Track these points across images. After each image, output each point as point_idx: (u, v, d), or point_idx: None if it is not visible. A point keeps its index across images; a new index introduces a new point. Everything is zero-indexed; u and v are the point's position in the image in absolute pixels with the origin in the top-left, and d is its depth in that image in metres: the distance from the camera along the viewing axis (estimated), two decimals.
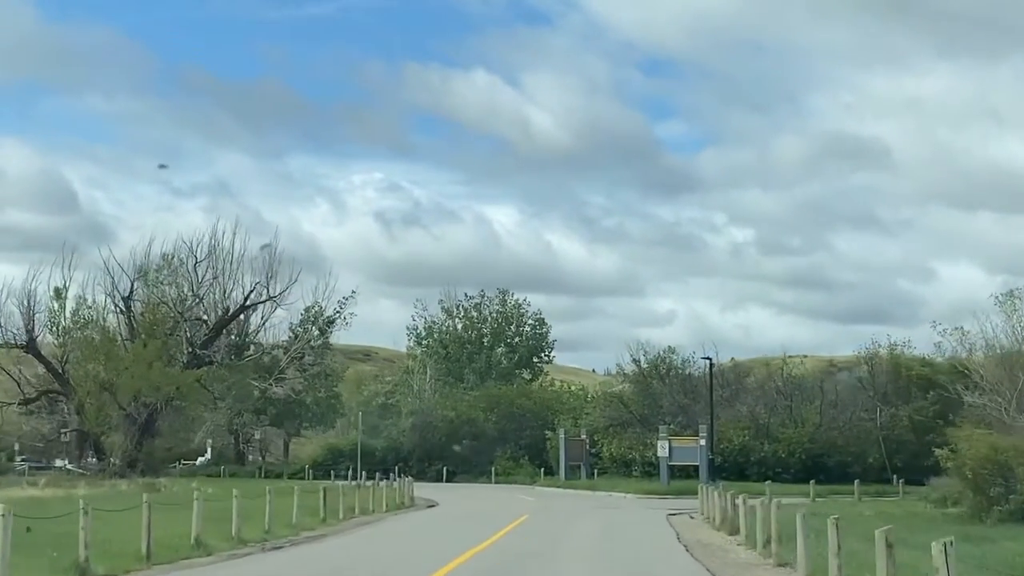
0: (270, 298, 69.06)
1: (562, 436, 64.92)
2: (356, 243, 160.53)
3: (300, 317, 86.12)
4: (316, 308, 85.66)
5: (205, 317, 67.34)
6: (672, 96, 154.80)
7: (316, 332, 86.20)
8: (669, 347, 65.04)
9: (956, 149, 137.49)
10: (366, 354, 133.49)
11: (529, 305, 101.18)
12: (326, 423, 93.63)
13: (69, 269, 66.03)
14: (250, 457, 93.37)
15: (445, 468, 75.99)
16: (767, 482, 57.93)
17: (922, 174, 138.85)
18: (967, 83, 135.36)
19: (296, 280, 70.73)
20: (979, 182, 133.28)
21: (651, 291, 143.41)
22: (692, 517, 35.40)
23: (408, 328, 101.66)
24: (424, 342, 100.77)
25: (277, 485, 38.20)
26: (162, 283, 67.67)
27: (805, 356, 64.28)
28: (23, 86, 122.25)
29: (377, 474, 58.69)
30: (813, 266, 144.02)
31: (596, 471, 66.09)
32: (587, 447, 65.33)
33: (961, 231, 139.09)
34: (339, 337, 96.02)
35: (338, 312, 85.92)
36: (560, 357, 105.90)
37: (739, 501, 27.23)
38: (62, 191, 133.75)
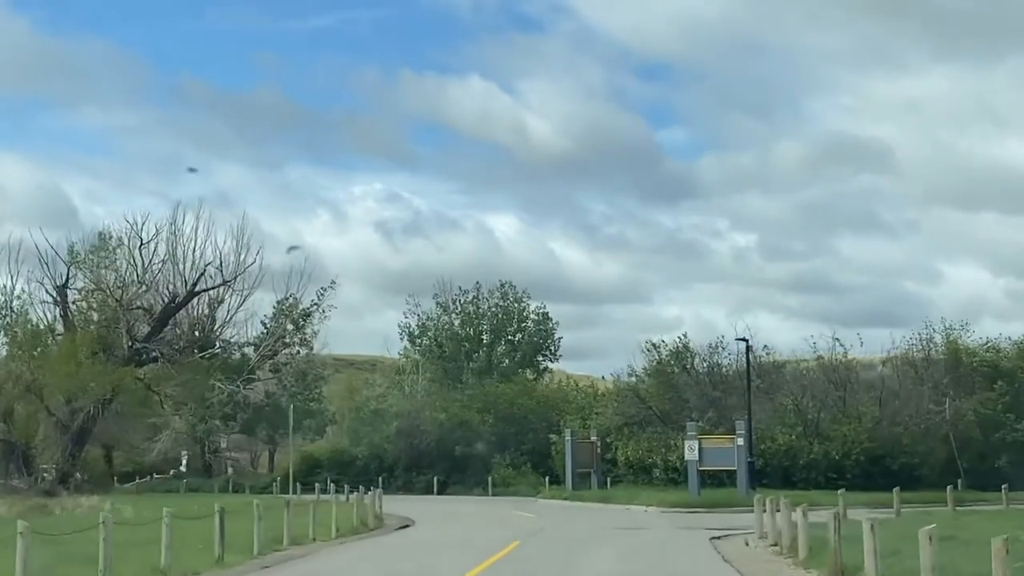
0: (224, 282, 58.99)
1: (568, 439, 54.71)
2: (358, 254, 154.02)
3: (272, 311, 76.43)
4: (290, 300, 75.78)
5: (149, 307, 57.35)
6: (669, 101, 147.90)
7: (290, 327, 76.27)
8: (686, 337, 54.68)
9: (957, 150, 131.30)
10: (372, 364, 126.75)
11: (530, 298, 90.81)
12: (313, 430, 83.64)
13: (17, 264, 56.44)
14: (230, 470, 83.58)
15: (435, 478, 65.87)
16: (814, 490, 47.97)
17: (924, 176, 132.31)
18: (966, 84, 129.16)
19: (257, 264, 60.66)
20: (981, 183, 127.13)
21: (656, 298, 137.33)
22: (749, 543, 25.22)
23: (400, 326, 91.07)
24: (418, 341, 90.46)
25: (229, 502, 28.55)
26: (99, 267, 57.68)
27: (820, 357, 53.95)
28: (19, 101, 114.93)
29: (346, 487, 48.57)
30: (817, 270, 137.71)
31: (609, 479, 55.92)
32: (598, 451, 55.14)
33: (965, 232, 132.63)
34: (343, 347, 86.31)
35: (316, 304, 76.03)
36: (566, 366, 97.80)
37: (825, 519, 17.45)
38: (61, 205, 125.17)
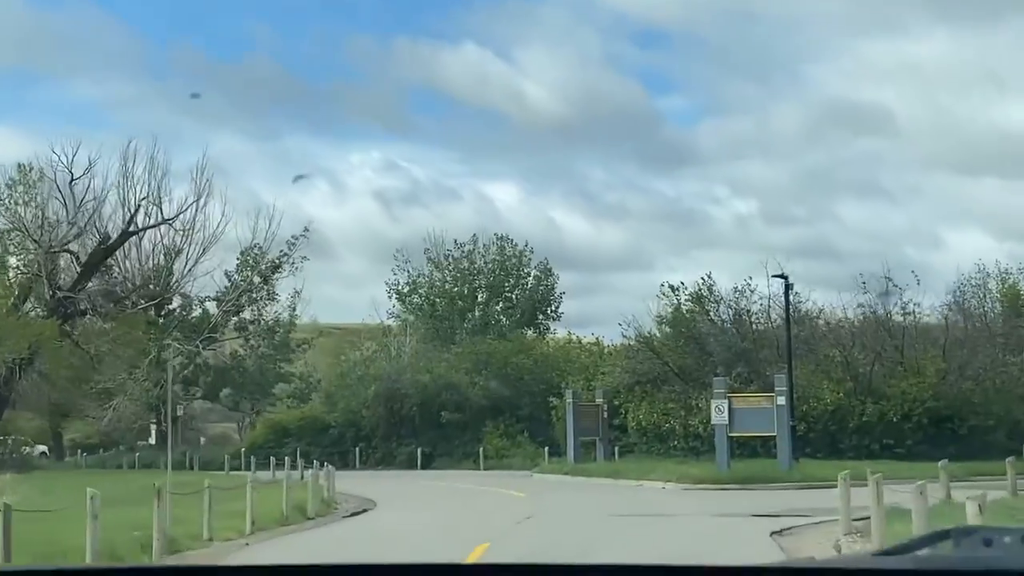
0: (164, 221, 50.36)
1: (570, 401, 46.11)
2: (357, 224, 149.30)
3: (236, 262, 67.84)
4: (256, 251, 67.18)
5: (77, 252, 48.86)
6: (667, 68, 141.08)
7: (257, 279, 67.70)
8: (709, 278, 45.67)
9: (958, 114, 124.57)
10: (360, 330, 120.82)
11: (532, 252, 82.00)
12: (298, 398, 75.16)
13: None
14: (202, 440, 75.26)
15: (419, 450, 57.46)
16: (867, 459, 39.38)
17: (925, 140, 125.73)
18: (967, 47, 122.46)
19: (202, 201, 52.02)
20: (983, 147, 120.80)
21: (658, 265, 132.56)
22: (841, 544, 16.61)
23: (388, 284, 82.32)
24: (407, 300, 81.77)
25: (161, 482, 20.83)
26: (16, 203, 49.11)
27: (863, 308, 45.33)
28: (9, 74, 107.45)
29: (313, 463, 40.28)
30: (819, 236, 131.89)
31: (618, 449, 47.47)
32: (605, 416, 46.55)
33: (967, 197, 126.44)
34: (341, 318, 78.32)
35: (285, 255, 67.41)
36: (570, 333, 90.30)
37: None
38: (55, 178, 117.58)
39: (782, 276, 37.95)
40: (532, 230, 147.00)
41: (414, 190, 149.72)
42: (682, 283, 45.24)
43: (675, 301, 44.69)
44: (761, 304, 43.44)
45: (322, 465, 35.66)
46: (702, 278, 44.88)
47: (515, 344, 62.54)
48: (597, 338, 63.50)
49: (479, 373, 60.50)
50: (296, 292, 70.39)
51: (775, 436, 35.23)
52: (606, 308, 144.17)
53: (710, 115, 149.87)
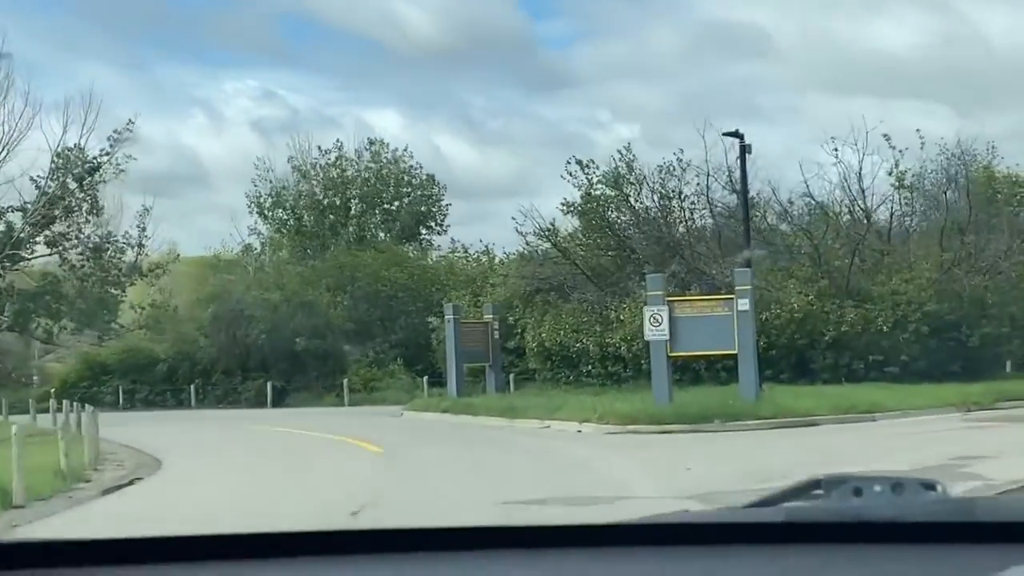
0: None
1: (450, 318, 35.11)
2: (235, 155, 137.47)
3: (52, 165, 54.92)
4: (74, 151, 54.34)
5: None
6: None
7: (74, 185, 54.95)
8: (629, 151, 34.39)
9: (832, 33, 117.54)
10: (218, 253, 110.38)
11: (412, 157, 70.09)
12: (150, 328, 62.75)
13: None
14: (35, 377, 62.62)
15: (270, 384, 46.09)
16: (850, 383, 29.24)
17: (800, 61, 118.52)
18: None
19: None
20: (856, 67, 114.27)
21: (545, 191, 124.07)
22: None
23: (248, 197, 69.69)
24: (271, 214, 69.51)
25: None
26: None
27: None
28: None
29: (82, 406, 28.44)
30: (701, 160, 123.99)
31: (514, 378, 36.85)
32: (496, 336, 35.71)
33: (843, 117, 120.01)
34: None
35: (106, 153, 54.69)
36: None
37: None
38: None
39: (735, 134, 27.15)
40: (417, 158, 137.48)
41: (293, 119, 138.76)
42: (592, 161, 34.08)
43: (585, 181, 33.59)
44: (698, 186, 32.64)
45: (82, 406, 24.32)
46: (619, 151, 33.77)
47: (388, 256, 51.14)
48: (487, 246, 52.50)
49: (343, 291, 49.16)
50: (145, 209, 57.61)
51: (735, 355, 24.58)
52: (496, 236, 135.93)
53: (589, 38, 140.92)
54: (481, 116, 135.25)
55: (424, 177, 70.02)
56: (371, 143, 70.36)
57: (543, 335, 33.47)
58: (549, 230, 33.48)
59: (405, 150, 68.02)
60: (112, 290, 58.52)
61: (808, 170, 33.84)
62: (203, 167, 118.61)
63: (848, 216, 32.19)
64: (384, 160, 70.17)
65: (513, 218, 34.73)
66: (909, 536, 1.61)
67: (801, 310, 29.17)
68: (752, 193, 32.96)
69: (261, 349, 46.69)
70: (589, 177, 33.31)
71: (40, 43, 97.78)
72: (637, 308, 29.02)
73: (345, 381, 44.74)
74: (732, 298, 24.48)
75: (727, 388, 25.75)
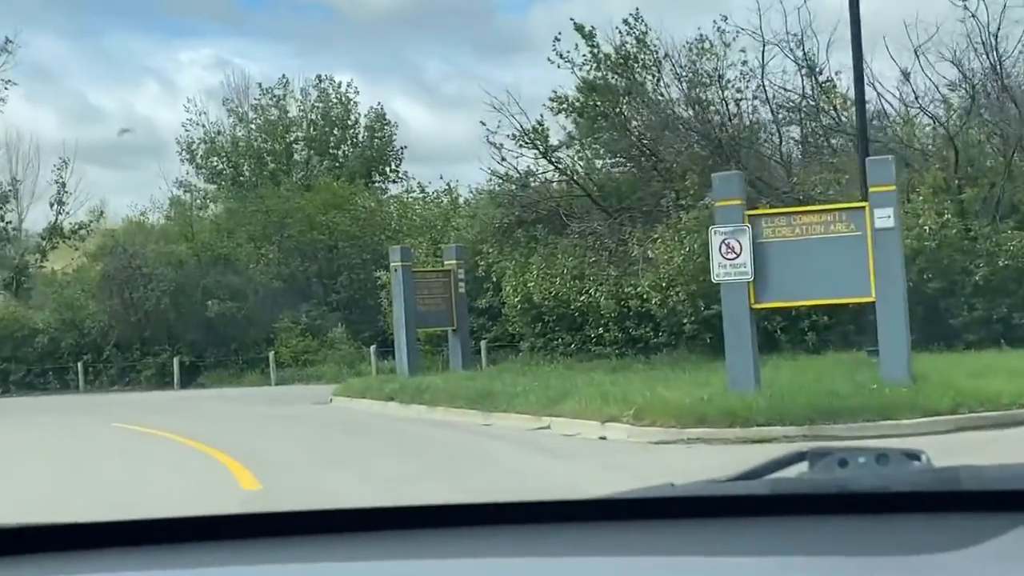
0: None
1: (398, 266, 24.64)
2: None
3: None
4: None
5: None
6: None
7: None
8: (638, 20, 23.34)
9: None
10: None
11: (357, 93, 58.86)
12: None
13: None
14: None
15: (177, 359, 35.46)
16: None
17: None
18: None
19: None
20: None
21: (507, 156, 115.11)
22: None
23: (179, 141, 58.14)
24: (204, 162, 58.24)
25: None
26: None
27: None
28: None
29: None
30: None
31: (487, 347, 26.57)
32: (462, 290, 25.34)
33: None
34: None
35: None
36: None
37: None
38: None
39: None
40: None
41: (249, 87, 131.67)
42: (591, 28, 22.99)
43: (589, 56, 22.77)
44: (746, 65, 22.02)
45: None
46: (625, 23, 22.89)
47: (324, 196, 40.41)
48: (448, 184, 41.83)
49: (268, 241, 38.48)
50: (63, 162, 46.19)
51: (861, 307, 14.25)
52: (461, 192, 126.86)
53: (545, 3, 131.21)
54: (436, 79, 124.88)
55: (373, 117, 58.74)
56: (319, 80, 58.81)
57: (529, 285, 22.93)
58: (535, 132, 22.81)
59: (350, 85, 56.71)
60: (28, 256, 47.08)
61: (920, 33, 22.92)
62: (159, 138, 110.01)
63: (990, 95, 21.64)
64: (332, 100, 58.80)
65: (482, 122, 23.97)
66: (894, 506, 1.58)
67: (934, 235, 18.80)
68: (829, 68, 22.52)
69: (164, 316, 35.98)
70: (595, 51, 22.53)
71: None
72: (674, 238, 18.67)
73: (271, 354, 34.24)
74: (861, 207, 14.08)
75: (839, 360, 15.38)
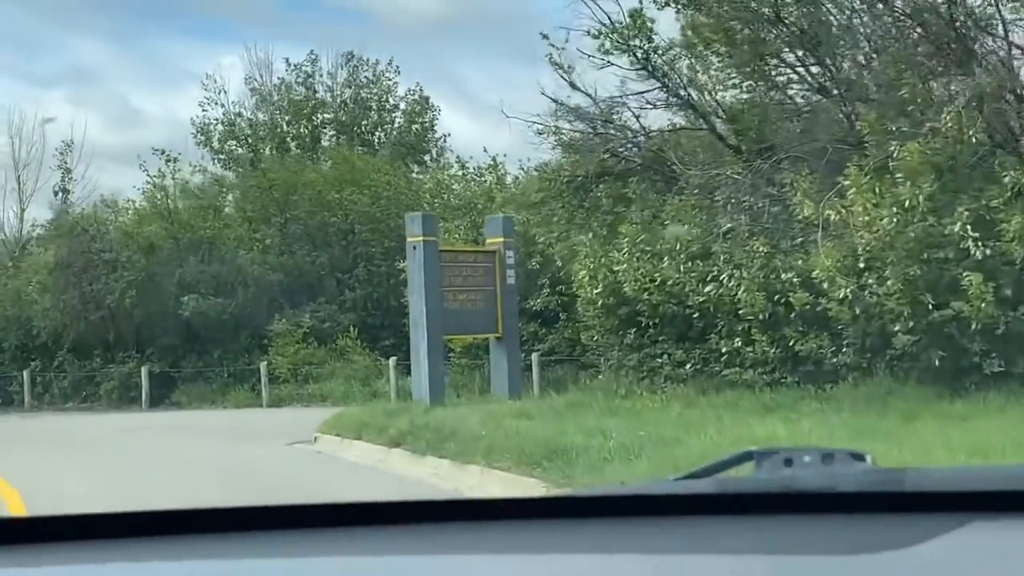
0: None
1: (420, 242, 16.52)
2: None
3: None
4: None
5: None
6: None
7: None
8: None
9: None
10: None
11: (399, 74, 50.59)
12: None
13: None
14: None
15: (145, 370, 27.44)
16: None
17: None
18: None
19: None
20: None
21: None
22: None
23: (193, 123, 49.84)
24: (224, 145, 50.15)
25: None
26: None
27: None
28: None
29: None
30: None
31: (538, 360, 18.43)
32: (511, 280, 17.22)
33: None
34: None
35: None
36: None
37: None
38: None
39: None
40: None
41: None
42: None
43: None
44: None
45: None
46: None
47: (338, 171, 32.26)
48: (494, 158, 33.54)
49: (267, 222, 30.41)
50: (66, 145, 38.32)
51: None
52: None
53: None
54: (477, 89, 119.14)
55: (414, 99, 50.14)
56: (348, 58, 50.37)
57: (617, 269, 14.51)
58: (632, 25, 14.43)
59: (390, 64, 48.41)
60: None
61: None
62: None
63: None
64: (364, 80, 50.35)
65: (543, 35, 15.76)
66: (839, 506, 1.57)
67: None
68: None
69: (130, 316, 27.92)
70: None
71: (32, 17, 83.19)
72: (874, 189, 10.40)
73: (262, 365, 26.19)
74: None
75: None
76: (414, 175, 41.17)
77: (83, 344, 28.40)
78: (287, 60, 45.19)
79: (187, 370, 27.89)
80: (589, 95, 15.40)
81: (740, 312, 12.90)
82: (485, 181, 32.89)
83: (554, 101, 15.78)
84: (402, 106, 48.75)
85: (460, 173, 34.55)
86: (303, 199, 30.51)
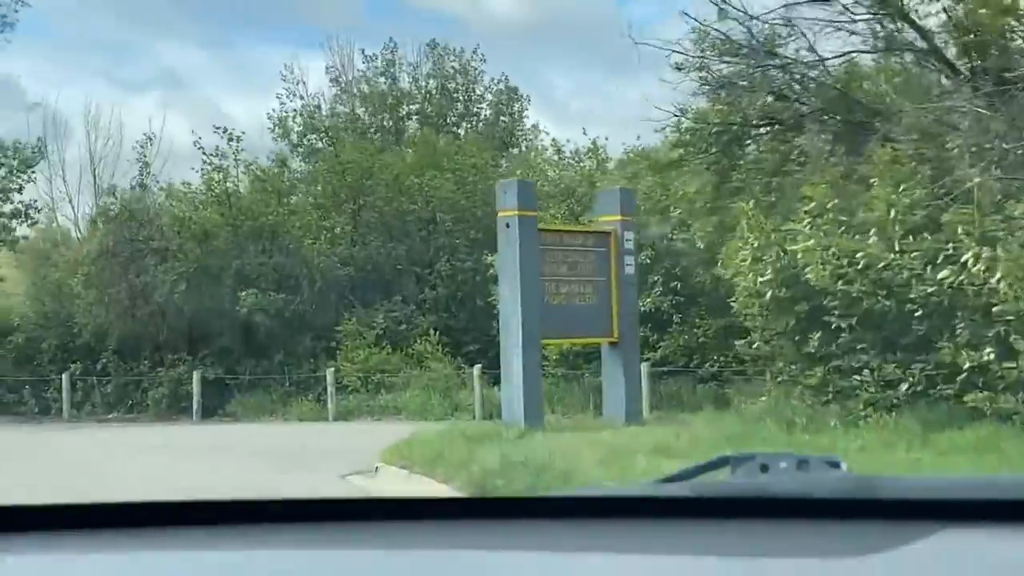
0: None
1: (514, 218, 12.63)
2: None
3: None
4: None
5: None
6: None
7: None
8: None
9: None
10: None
11: (484, 61, 46.69)
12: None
13: None
14: None
15: (197, 375, 23.93)
16: None
17: None
18: None
19: None
20: None
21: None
22: None
23: (271, 115, 46.36)
24: (305, 139, 46.83)
25: None
26: None
27: None
28: None
29: None
30: None
31: (647, 371, 14.38)
32: (629, 270, 13.23)
33: None
34: None
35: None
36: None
37: None
38: (8, 91, 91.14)
39: None
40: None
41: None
42: None
43: None
44: None
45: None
46: None
47: (420, 154, 28.50)
48: (594, 141, 29.54)
49: (338, 210, 26.71)
50: (148, 138, 34.92)
51: None
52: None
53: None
54: (563, 97, 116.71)
55: (501, 88, 46.17)
56: (432, 47, 46.62)
57: (796, 250, 10.34)
58: None
59: (475, 51, 44.58)
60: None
61: None
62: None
63: None
64: (450, 71, 46.58)
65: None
66: (813, 512, 1.59)
67: None
68: None
69: (181, 310, 24.38)
70: None
71: (125, 23, 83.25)
72: None
73: (329, 373, 22.44)
74: None
75: None
76: (503, 168, 37.37)
77: (129, 345, 24.97)
78: (363, 51, 41.59)
79: (244, 377, 24.26)
80: (743, 22, 11.33)
81: (994, 309, 8.72)
82: (584, 166, 29.03)
83: (699, 24, 11.68)
84: (488, 96, 44.97)
85: (556, 158, 30.64)
86: (379, 184, 26.80)
